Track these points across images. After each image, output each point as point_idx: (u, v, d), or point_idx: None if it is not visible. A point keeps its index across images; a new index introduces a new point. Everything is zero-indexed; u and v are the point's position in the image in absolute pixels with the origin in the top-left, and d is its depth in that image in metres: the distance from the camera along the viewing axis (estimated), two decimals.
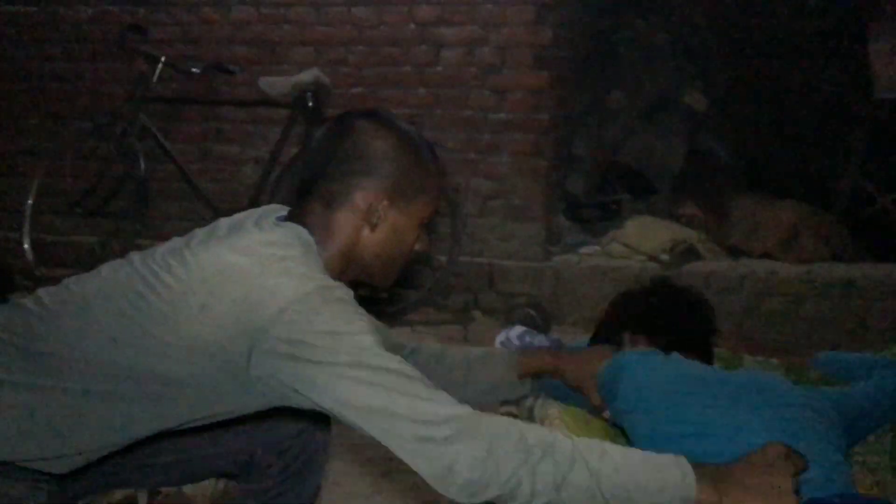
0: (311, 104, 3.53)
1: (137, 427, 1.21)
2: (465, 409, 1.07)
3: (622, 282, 3.64)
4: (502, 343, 1.94)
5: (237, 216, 1.31)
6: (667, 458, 1.09)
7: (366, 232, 1.27)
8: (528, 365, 1.57)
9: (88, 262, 3.98)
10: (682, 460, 1.09)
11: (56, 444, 1.17)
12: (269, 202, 1.36)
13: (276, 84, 3.58)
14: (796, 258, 3.67)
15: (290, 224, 1.26)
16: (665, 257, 3.61)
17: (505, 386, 1.57)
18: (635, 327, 1.63)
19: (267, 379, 1.13)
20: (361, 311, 1.15)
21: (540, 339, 1.95)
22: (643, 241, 3.71)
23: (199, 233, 1.28)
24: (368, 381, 1.07)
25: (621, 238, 3.77)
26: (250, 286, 1.13)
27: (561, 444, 1.07)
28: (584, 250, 3.82)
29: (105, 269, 1.26)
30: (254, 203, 3.50)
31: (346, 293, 1.16)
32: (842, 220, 3.98)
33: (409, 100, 3.77)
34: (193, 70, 3.66)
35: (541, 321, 2.14)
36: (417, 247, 1.34)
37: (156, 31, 3.97)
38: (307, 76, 3.53)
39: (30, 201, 3.87)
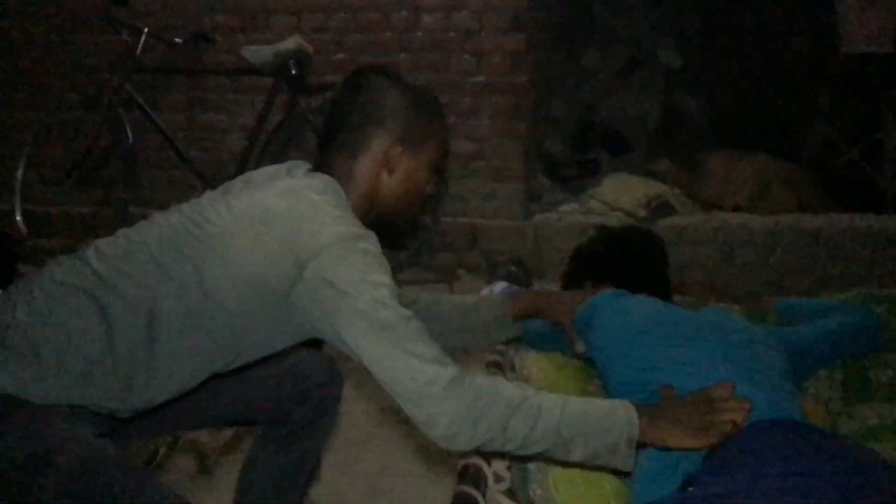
0: (293, 71, 3.59)
1: (199, 365, 1.33)
2: (454, 370, 1.22)
3: None
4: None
5: (267, 169, 1.45)
6: (616, 403, 1.28)
7: (384, 176, 1.42)
8: (517, 307, 1.72)
9: (80, 231, 4.08)
10: (628, 404, 1.27)
11: (123, 388, 1.28)
12: (256, 168, 1.48)
13: (258, 52, 3.62)
14: (766, 210, 3.81)
15: (319, 173, 1.40)
16: (642, 212, 3.74)
17: (497, 328, 1.72)
18: (594, 276, 1.79)
19: (303, 306, 1.26)
20: (385, 262, 1.29)
21: (522, 293, 2.05)
22: (620, 197, 3.83)
23: (237, 182, 1.42)
24: (379, 329, 1.21)
25: (599, 195, 3.89)
26: (295, 226, 1.27)
27: (530, 401, 1.23)
28: (563, 208, 3.93)
29: (157, 217, 1.39)
30: (241, 170, 3.58)
31: (374, 243, 1.29)
32: (810, 172, 4.11)
33: (390, 65, 3.80)
34: (176, 40, 3.69)
35: (523, 276, 2.24)
36: (429, 189, 1.49)
37: (138, 2, 4.00)
38: (289, 44, 3.58)
39: (20, 173, 3.92)
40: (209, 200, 1.37)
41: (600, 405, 1.26)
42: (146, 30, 3.69)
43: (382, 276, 1.25)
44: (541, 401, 1.24)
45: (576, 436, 1.23)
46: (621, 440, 1.24)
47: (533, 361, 1.74)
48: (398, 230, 1.49)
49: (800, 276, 3.62)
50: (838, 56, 4.15)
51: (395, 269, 3.77)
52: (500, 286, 2.07)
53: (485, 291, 2.05)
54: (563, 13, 4.30)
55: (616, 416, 1.25)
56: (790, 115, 4.38)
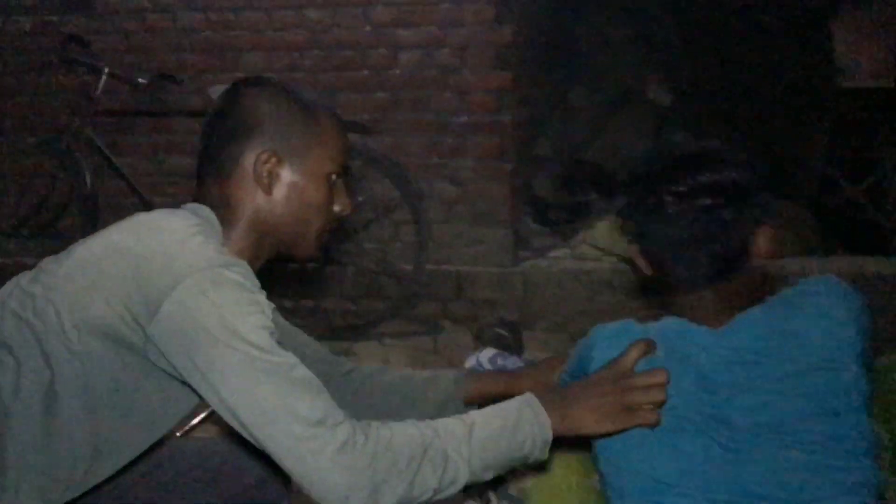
0: None
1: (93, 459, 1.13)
2: (345, 431, 1.04)
3: (594, 285, 3.57)
4: (472, 368, 1.83)
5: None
6: (521, 403, 1.16)
7: (261, 196, 1.22)
8: (476, 389, 1.49)
9: None
10: (533, 400, 1.16)
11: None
12: None
13: None
14: None
15: (190, 205, 1.23)
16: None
17: (450, 411, 1.47)
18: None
19: (164, 356, 1.08)
20: (260, 297, 1.10)
21: (513, 361, 1.84)
22: (614, 242, 3.63)
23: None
24: (251, 381, 1.03)
25: (591, 240, 3.69)
26: (143, 260, 1.08)
27: (434, 447, 1.08)
28: (553, 254, 3.73)
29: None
30: None
31: (241, 273, 1.09)
32: (809, 210, 3.95)
33: (367, 104, 3.64)
34: (140, 80, 3.49)
35: (513, 341, 2.02)
36: (338, 209, 1.29)
37: (99, 40, 3.80)
38: None
39: None
40: (49, 260, 1.19)
41: (506, 415, 1.15)
42: (107, 69, 3.48)
43: (254, 314, 1.06)
44: (445, 442, 1.09)
45: (489, 464, 1.13)
46: (535, 448, 1.15)
47: None
48: (302, 253, 1.29)
49: None
50: (836, 91, 4.02)
51: (374, 322, 3.60)
52: (486, 354, 1.86)
53: (470, 360, 1.84)
54: (548, 50, 4.14)
55: (524, 423, 1.14)
56: (786, 152, 4.23)
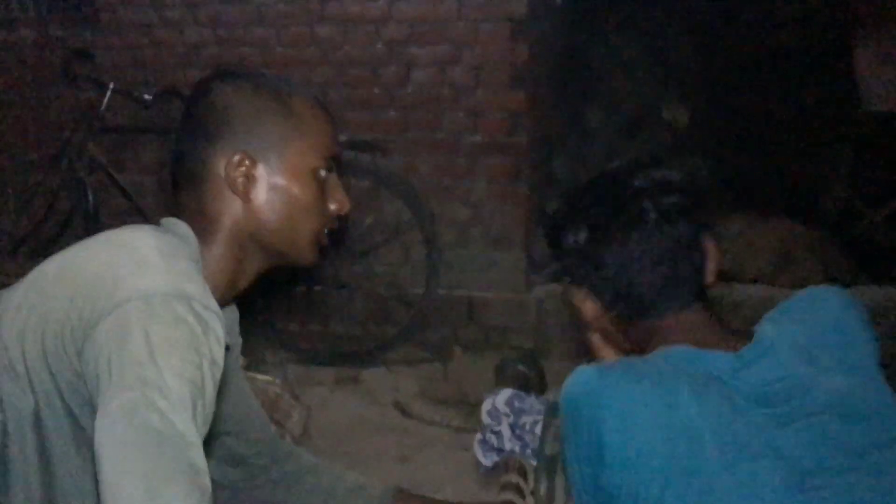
0: None
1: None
2: None
3: None
4: (489, 413, 1.68)
5: None
6: None
7: (238, 203, 1.08)
8: None
9: None
10: None
11: None
12: None
13: None
14: (790, 282, 3.50)
15: (167, 220, 1.08)
16: None
17: None
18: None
19: (87, 380, 0.92)
20: (203, 344, 0.90)
21: (531, 403, 1.69)
22: None
23: None
24: (134, 443, 0.81)
25: None
26: (92, 279, 0.92)
27: None
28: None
29: None
30: None
31: (194, 311, 0.90)
32: (832, 237, 3.84)
33: (378, 123, 3.54)
34: (146, 96, 3.41)
35: (535, 379, 1.87)
36: (334, 207, 1.13)
37: (104, 55, 3.72)
38: None
39: None
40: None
41: None
42: (112, 85, 3.41)
43: (185, 363, 0.87)
44: None
45: None
46: None
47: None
48: (299, 261, 1.14)
49: None
50: (856, 114, 3.93)
51: (383, 348, 3.49)
52: (503, 396, 1.70)
53: (486, 404, 1.68)
54: (564, 70, 4.05)
55: None
56: (807, 176, 4.14)
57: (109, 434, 0.82)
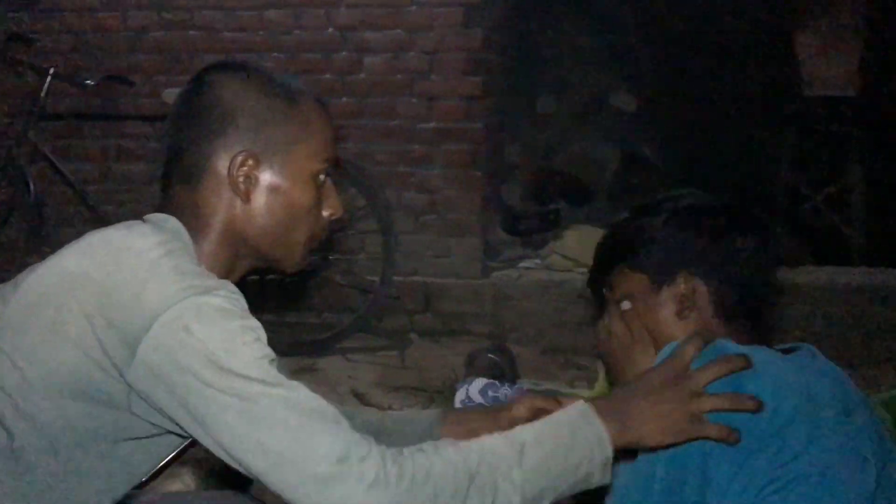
0: None
1: None
2: (375, 460, 0.89)
3: (566, 296, 3.48)
4: (462, 402, 1.69)
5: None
6: (576, 415, 1.00)
7: (238, 204, 1.05)
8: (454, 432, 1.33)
9: None
10: (589, 411, 1.00)
11: None
12: None
13: None
14: None
15: (154, 216, 1.04)
16: None
17: None
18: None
19: (149, 403, 0.92)
20: (250, 320, 0.94)
21: (505, 392, 1.71)
22: (584, 252, 3.52)
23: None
24: (258, 418, 0.88)
25: (561, 250, 3.61)
26: (109, 290, 0.92)
27: (482, 474, 0.92)
28: (524, 264, 3.64)
29: None
30: None
31: (228, 297, 0.93)
32: (777, 219, 3.94)
33: (331, 110, 3.44)
34: (88, 82, 3.32)
35: (507, 367, 1.88)
36: (327, 213, 1.10)
37: (44, 39, 3.59)
38: None
39: None
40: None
41: (561, 431, 0.99)
42: (52, 70, 3.30)
43: (248, 344, 0.91)
44: (493, 468, 0.93)
45: (543, 491, 0.96)
46: (595, 469, 0.98)
47: None
48: (288, 267, 1.12)
49: (780, 335, 3.38)
50: (800, 99, 4.03)
51: (339, 337, 3.46)
52: (477, 385, 1.72)
53: (460, 393, 1.70)
54: (516, 57, 4.06)
55: (582, 440, 0.97)
56: (752, 160, 4.23)
57: (234, 438, 0.88)
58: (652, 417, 0.98)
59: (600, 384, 1.64)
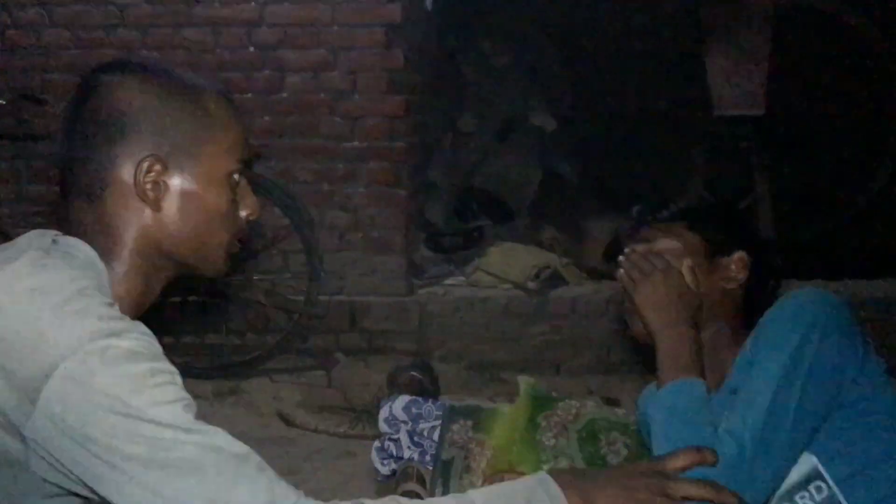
0: None
1: None
2: (305, 500, 0.85)
3: (490, 313, 3.53)
4: (386, 421, 1.68)
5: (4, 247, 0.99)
6: (530, 487, 0.96)
7: (149, 213, 0.98)
8: None
9: None
10: (548, 481, 0.96)
11: None
12: None
13: None
14: None
15: (63, 240, 0.96)
16: (531, 284, 3.52)
17: None
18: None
19: (49, 471, 0.84)
20: (163, 363, 0.87)
21: (428, 409, 1.71)
22: (508, 268, 3.61)
23: None
24: (167, 467, 0.81)
25: (485, 266, 3.65)
26: (4, 338, 0.84)
27: None
28: (449, 281, 3.67)
29: None
30: None
31: (138, 339, 0.86)
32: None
33: (252, 129, 3.46)
34: None
35: (429, 384, 1.89)
36: (245, 213, 1.05)
37: None
38: None
39: None
40: None
41: (514, 495, 0.95)
42: None
43: (160, 386, 0.84)
44: None
45: None
46: None
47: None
48: (209, 272, 1.06)
49: None
50: (710, 117, 4.17)
51: (264, 358, 3.42)
52: (400, 402, 1.70)
53: (384, 411, 1.68)
54: (437, 76, 4.10)
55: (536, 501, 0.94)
56: (665, 176, 4.36)
57: (146, 491, 0.81)
58: (617, 494, 0.96)
59: (521, 400, 1.67)
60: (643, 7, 4.44)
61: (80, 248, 0.95)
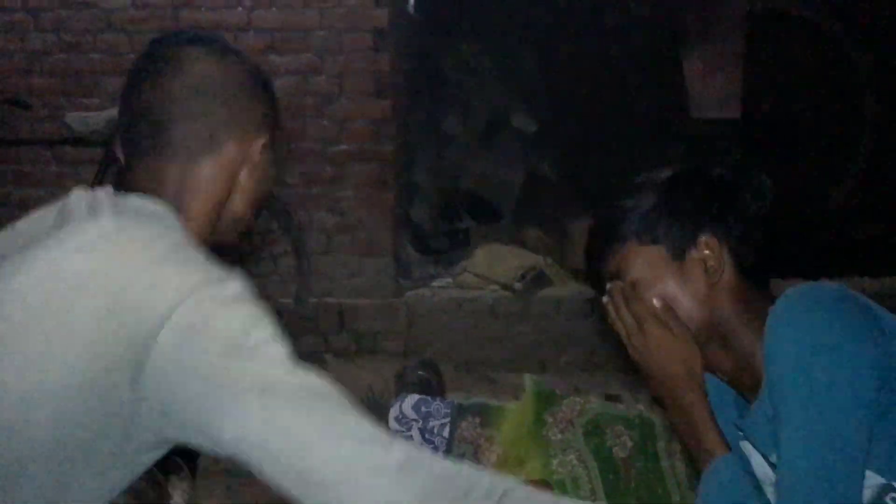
0: None
1: None
2: (403, 449, 0.86)
3: (477, 313, 3.58)
4: (397, 419, 1.73)
5: (49, 209, 1.01)
6: None
7: (243, 177, 1.05)
8: None
9: None
10: None
11: None
12: None
13: (86, 120, 3.20)
14: None
15: (137, 198, 0.98)
16: (517, 285, 3.58)
17: None
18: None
19: (157, 406, 0.86)
20: (260, 307, 0.91)
21: (437, 407, 1.77)
22: (494, 269, 3.66)
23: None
24: (280, 396, 0.84)
25: (472, 268, 3.70)
26: (114, 291, 0.86)
27: (515, 495, 0.88)
28: (436, 283, 3.71)
29: None
30: None
31: (242, 285, 0.90)
32: None
33: None
34: None
35: (436, 383, 1.95)
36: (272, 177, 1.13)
37: None
38: None
39: None
40: None
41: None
42: None
43: (268, 327, 0.88)
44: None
45: None
46: None
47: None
48: (233, 239, 1.10)
49: None
50: (688, 119, 4.26)
51: None
52: (409, 402, 1.76)
53: (394, 410, 1.74)
54: (420, 79, 4.14)
55: None
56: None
57: (259, 418, 0.83)
58: None
59: (527, 397, 1.72)
60: (621, 10, 4.51)
61: (157, 205, 0.99)
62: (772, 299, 1.06)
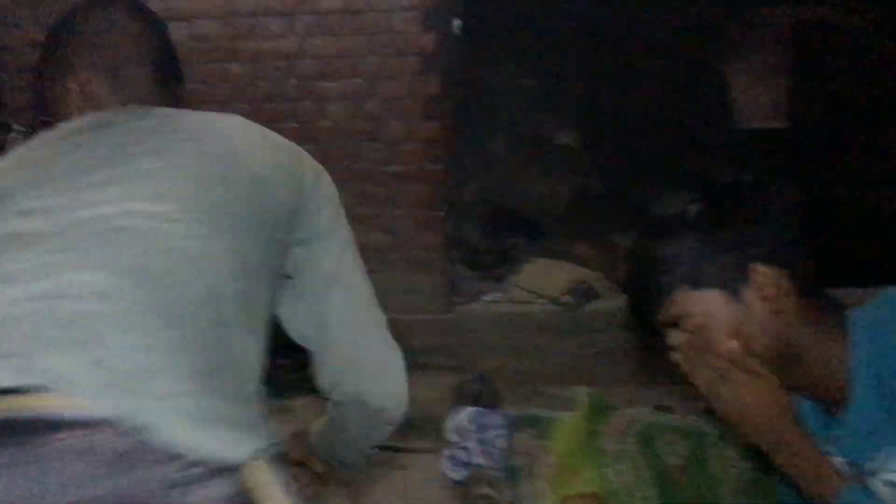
0: None
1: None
2: None
3: (527, 328, 3.65)
4: (455, 431, 1.82)
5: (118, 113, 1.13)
6: None
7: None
8: None
9: None
10: None
11: None
12: None
13: None
14: None
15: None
16: (567, 299, 3.64)
17: None
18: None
19: (308, 219, 1.15)
20: None
21: (493, 419, 1.85)
22: (543, 284, 3.73)
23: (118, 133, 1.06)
24: (351, 245, 1.29)
25: (521, 283, 3.77)
26: (289, 151, 1.17)
27: None
28: (486, 298, 3.79)
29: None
30: None
31: None
32: None
33: None
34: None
35: (490, 395, 2.03)
36: None
37: None
38: None
39: None
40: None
41: None
42: None
43: None
44: None
45: None
46: None
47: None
48: None
49: None
50: (730, 131, 4.28)
51: (307, 378, 3.55)
52: (467, 413, 1.84)
53: (451, 421, 1.83)
54: (467, 99, 4.24)
55: None
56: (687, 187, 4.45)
57: (353, 264, 1.32)
58: None
59: (581, 409, 1.79)
60: (664, 23, 4.56)
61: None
62: (840, 306, 1.07)
